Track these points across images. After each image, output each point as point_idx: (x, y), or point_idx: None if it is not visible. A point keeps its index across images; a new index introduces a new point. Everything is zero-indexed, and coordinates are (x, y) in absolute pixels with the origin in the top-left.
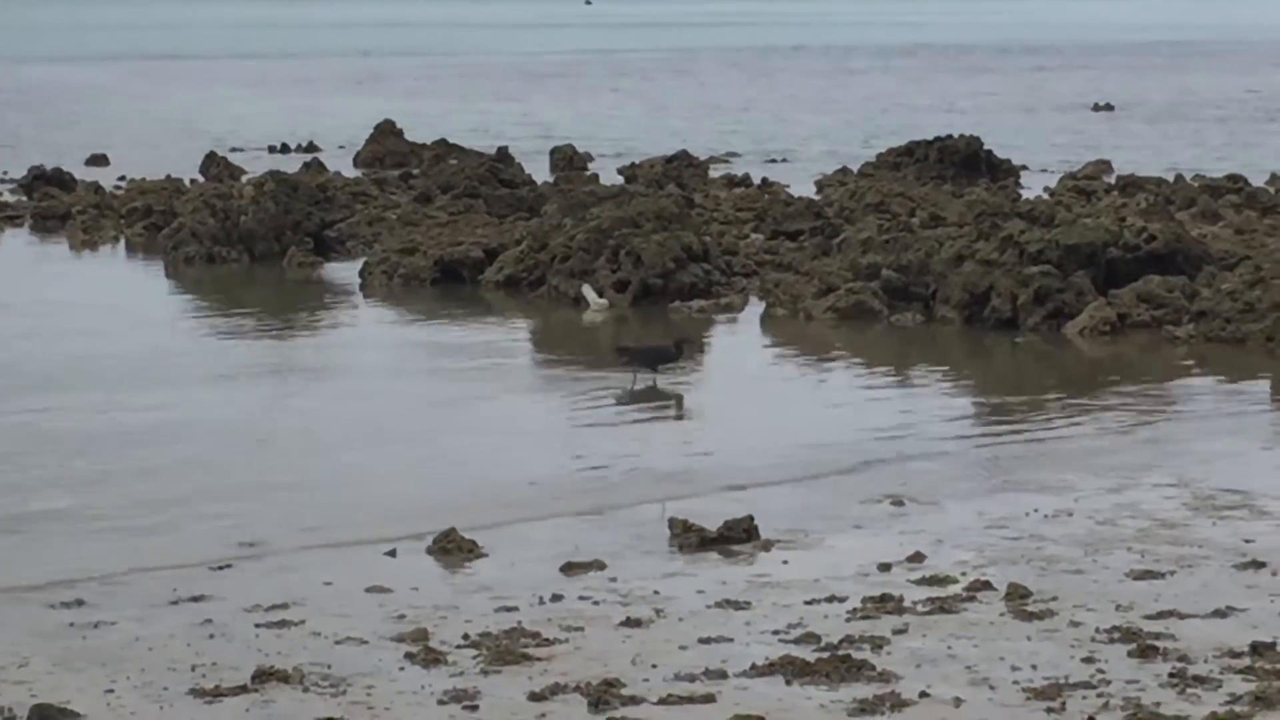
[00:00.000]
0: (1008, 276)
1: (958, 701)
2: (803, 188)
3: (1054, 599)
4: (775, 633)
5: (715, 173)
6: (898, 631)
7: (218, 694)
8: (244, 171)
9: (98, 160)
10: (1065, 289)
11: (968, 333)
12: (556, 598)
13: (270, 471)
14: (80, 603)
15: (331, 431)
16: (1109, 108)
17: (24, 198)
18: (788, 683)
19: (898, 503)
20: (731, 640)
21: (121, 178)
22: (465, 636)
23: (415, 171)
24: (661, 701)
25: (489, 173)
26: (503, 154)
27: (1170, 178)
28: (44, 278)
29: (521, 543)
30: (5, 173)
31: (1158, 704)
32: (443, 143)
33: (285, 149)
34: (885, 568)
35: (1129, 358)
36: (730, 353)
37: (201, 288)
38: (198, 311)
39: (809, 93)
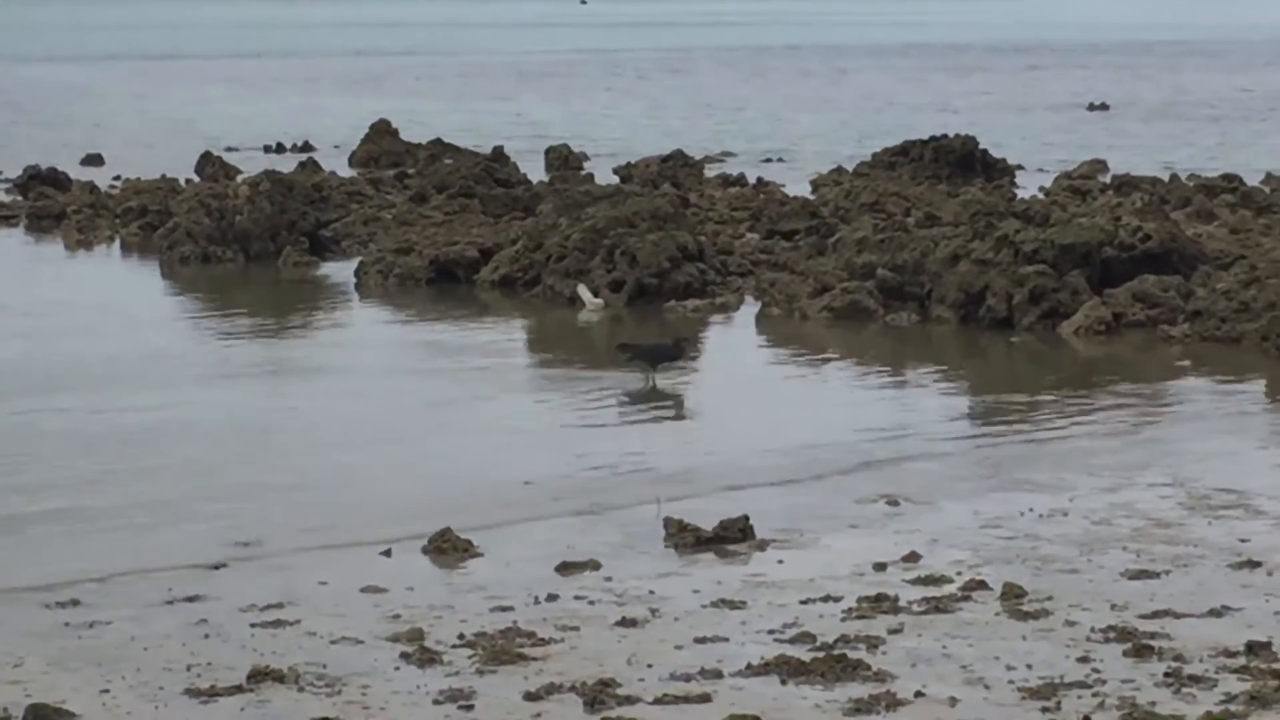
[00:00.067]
0: (1003, 276)
1: (953, 701)
2: (798, 187)
3: (1049, 598)
4: (770, 632)
5: (710, 172)
6: (893, 631)
7: (213, 694)
8: (239, 171)
9: (93, 160)
10: (1060, 288)
11: (963, 332)
12: (552, 597)
13: (265, 471)
14: (75, 603)
15: (326, 431)
16: (1104, 107)
17: (19, 197)
18: (783, 682)
19: (893, 502)
20: (727, 640)
21: (116, 177)
22: (460, 636)
23: (410, 171)
24: (657, 701)
25: (484, 172)
26: (498, 154)
27: (1165, 177)
28: (39, 278)
29: (517, 542)
30: (0, 172)
31: (1153, 703)
32: (438, 142)
33: (280, 149)
34: (880, 567)
35: (1124, 357)
36: (725, 352)
37: (196, 287)
38: (193, 311)
39: (804, 92)
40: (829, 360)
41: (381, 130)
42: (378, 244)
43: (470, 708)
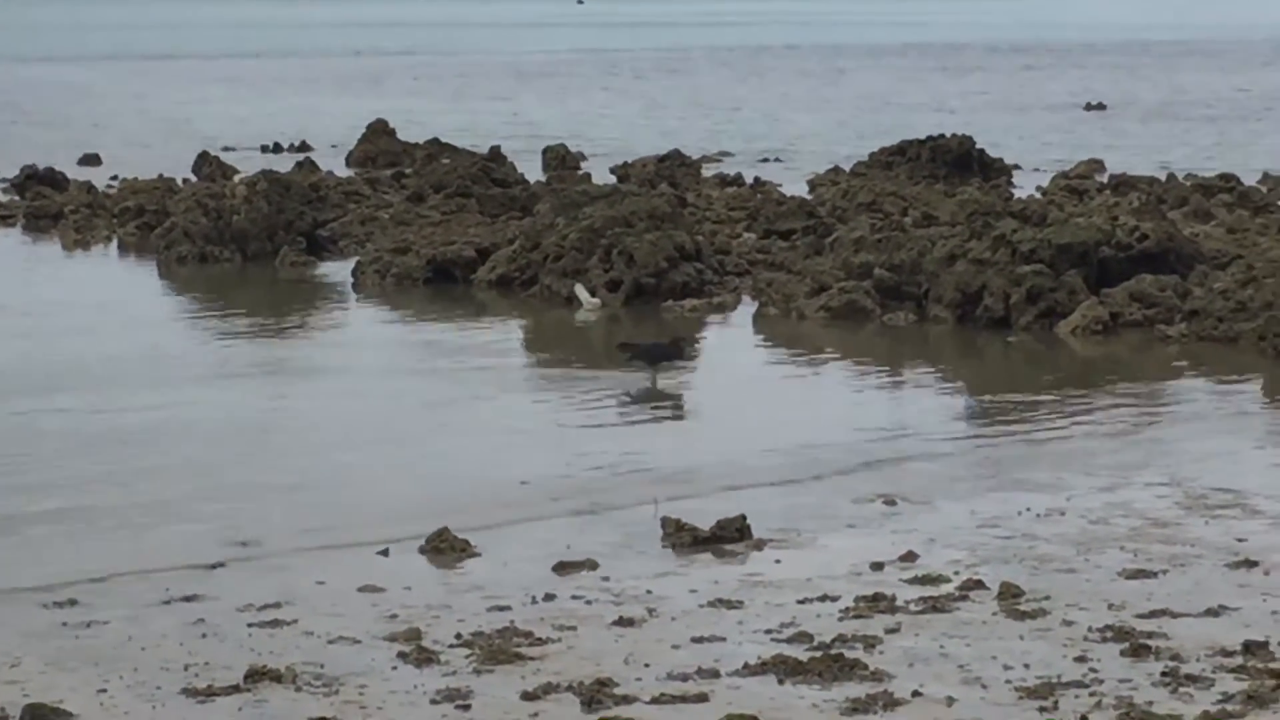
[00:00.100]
0: (1000, 276)
1: (950, 701)
2: (795, 187)
3: (1046, 598)
4: (768, 632)
5: (708, 172)
6: (890, 631)
7: (210, 693)
8: (236, 171)
9: (90, 160)
10: (1057, 288)
11: (960, 332)
12: (549, 597)
13: (262, 471)
14: (73, 602)
15: (323, 431)
16: (1101, 107)
17: (16, 197)
18: (780, 682)
19: (890, 502)
20: (724, 639)
21: (114, 177)
22: (458, 636)
23: (408, 171)
24: (654, 701)
25: (481, 172)
26: (495, 153)
27: (1162, 177)
28: (36, 278)
29: (514, 542)
30: None
31: (1150, 703)
32: (435, 142)
33: (277, 148)
34: (878, 567)
35: (1121, 357)
36: (722, 352)
37: (194, 287)
38: (190, 311)
39: (802, 92)
40: (826, 360)
41: (379, 130)
42: (375, 244)
43: (467, 707)
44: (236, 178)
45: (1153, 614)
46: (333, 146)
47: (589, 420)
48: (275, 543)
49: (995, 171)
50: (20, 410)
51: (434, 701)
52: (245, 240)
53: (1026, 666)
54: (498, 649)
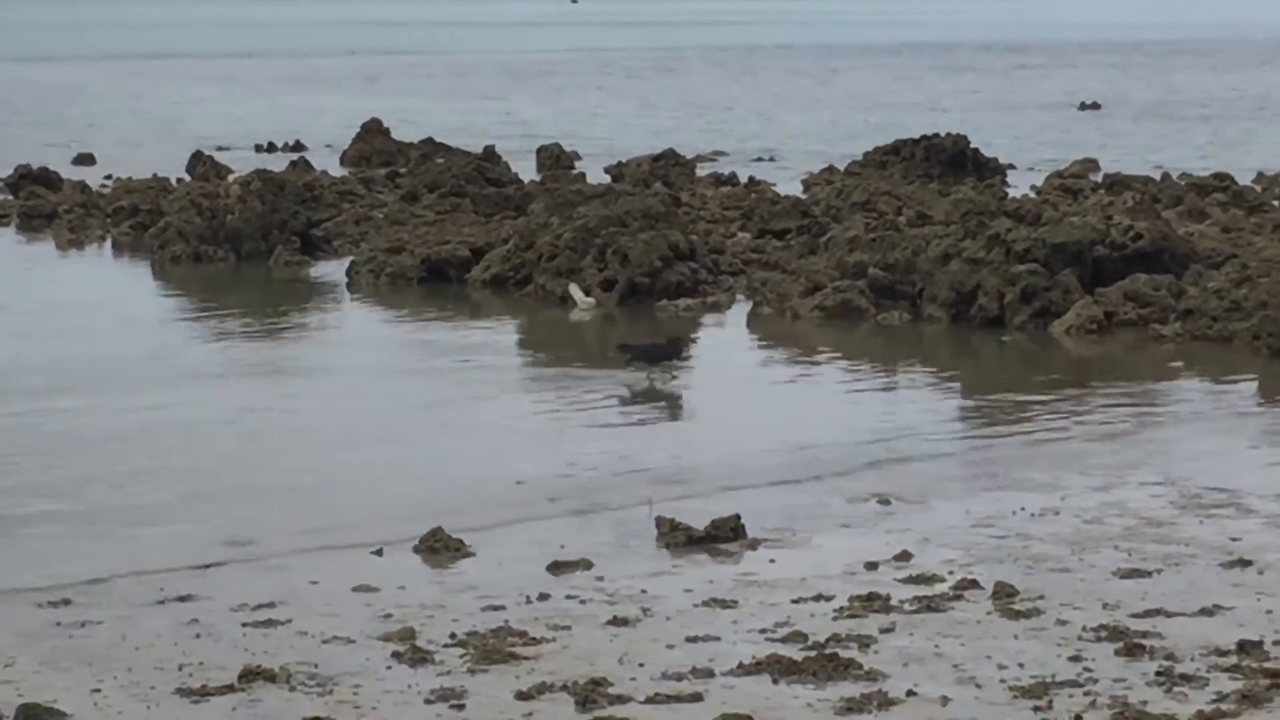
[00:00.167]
0: (994, 275)
1: (945, 700)
2: (789, 186)
3: (1041, 597)
4: (762, 631)
5: (702, 171)
6: (885, 630)
7: (204, 693)
8: (230, 170)
9: (84, 159)
10: (1052, 287)
11: (954, 331)
12: (543, 597)
13: (257, 471)
14: (67, 602)
15: (317, 431)
16: (1095, 106)
17: (10, 197)
18: (775, 681)
19: (884, 501)
20: (719, 639)
21: (108, 177)
22: (452, 635)
23: (402, 170)
24: (649, 700)
25: (476, 171)
26: (489, 153)
27: (1157, 176)
28: (31, 277)
29: (508, 542)
30: None
31: (1145, 702)
32: (429, 142)
33: (271, 148)
34: (872, 566)
35: (1116, 356)
36: (717, 352)
37: (188, 287)
38: (185, 311)
39: (796, 91)
40: (821, 359)
41: (373, 129)
42: (369, 243)
43: (462, 707)
44: (231, 177)
45: (1147, 613)
46: (327, 146)
47: (583, 420)
48: (269, 543)
49: (990, 171)
50: (15, 411)
51: (428, 701)
52: (239, 240)
53: (1021, 666)
54: (492, 649)
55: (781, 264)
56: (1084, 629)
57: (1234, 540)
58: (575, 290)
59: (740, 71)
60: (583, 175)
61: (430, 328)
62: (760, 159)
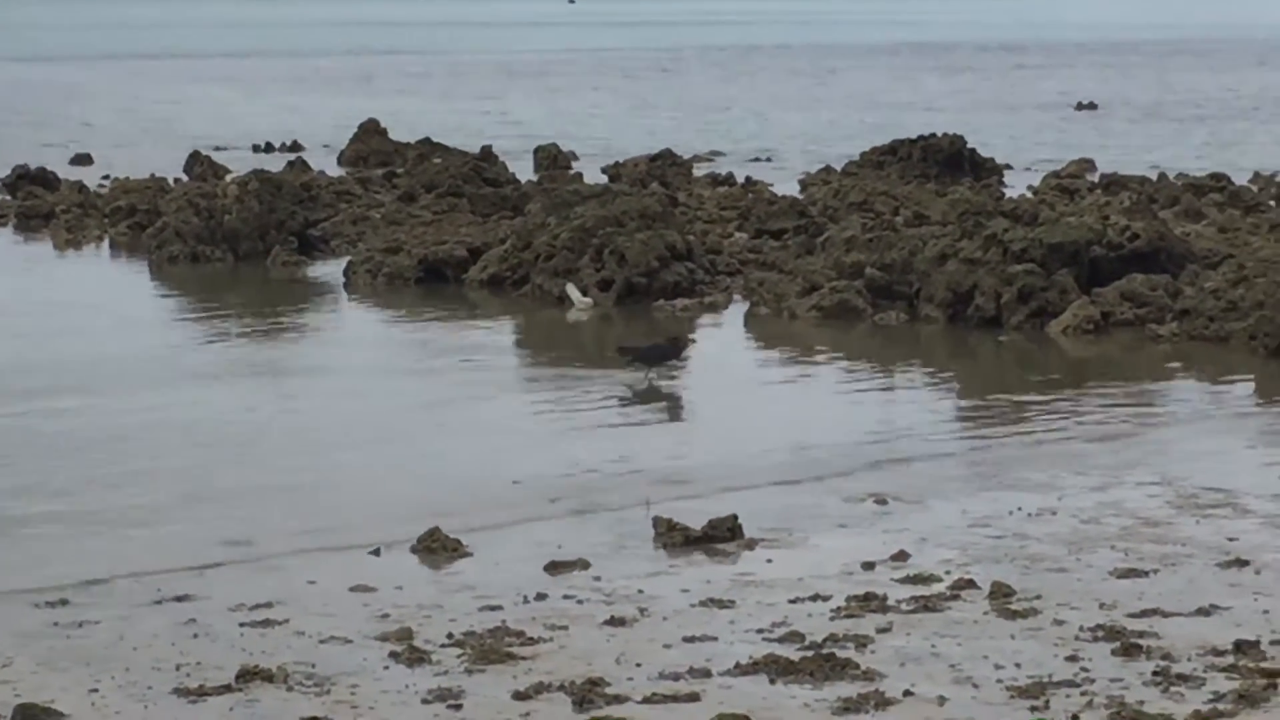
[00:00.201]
0: (991, 275)
1: (941, 700)
2: (786, 186)
3: (1038, 597)
4: (759, 631)
5: (699, 171)
6: (881, 630)
7: (202, 693)
8: (228, 170)
9: (82, 159)
10: (1049, 287)
11: (951, 331)
12: (541, 597)
13: (254, 471)
14: (64, 602)
15: (314, 431)
16: (1092, 106)
17: (7, 197)
18: (772, 681)
19: (881, 501)
20: (716, 639)
21: (105, 177)
22: (449, 636)
23: (399, 170)
24: (646, 700)
25: (473, 172)
26: (486, 153)
27: (1153, 176)
28: (28, 277)
29: (505, 542)
30: None
31: (1141, 702)
32: (426, 142)
33: (269, 148)
34: (869, 566)
35: (1112, 356)
36: (714, 352)
37: (186, 287)
38: (182, 311)
39: (793, 91)
40: (817, 360)
41: (370, 130)
42: (366, 243)
43: (459, 707)
44: (228, 177)
45: (1144, 613)
46: (324, 146)
47: (580, 420)
48: (266, 542)
49: (986, 171)
50: (12, 411)
51: (425, 701)
52: (237, 240)
53: (1018, 666)
54: (489, 649)
55: (778, 264)
56: (1081, 629)
57: (1231, 540)
58: (572, 290)
59: (737, 71)
60: (580, 175)
61: (427, 328)
62: (757, 159)
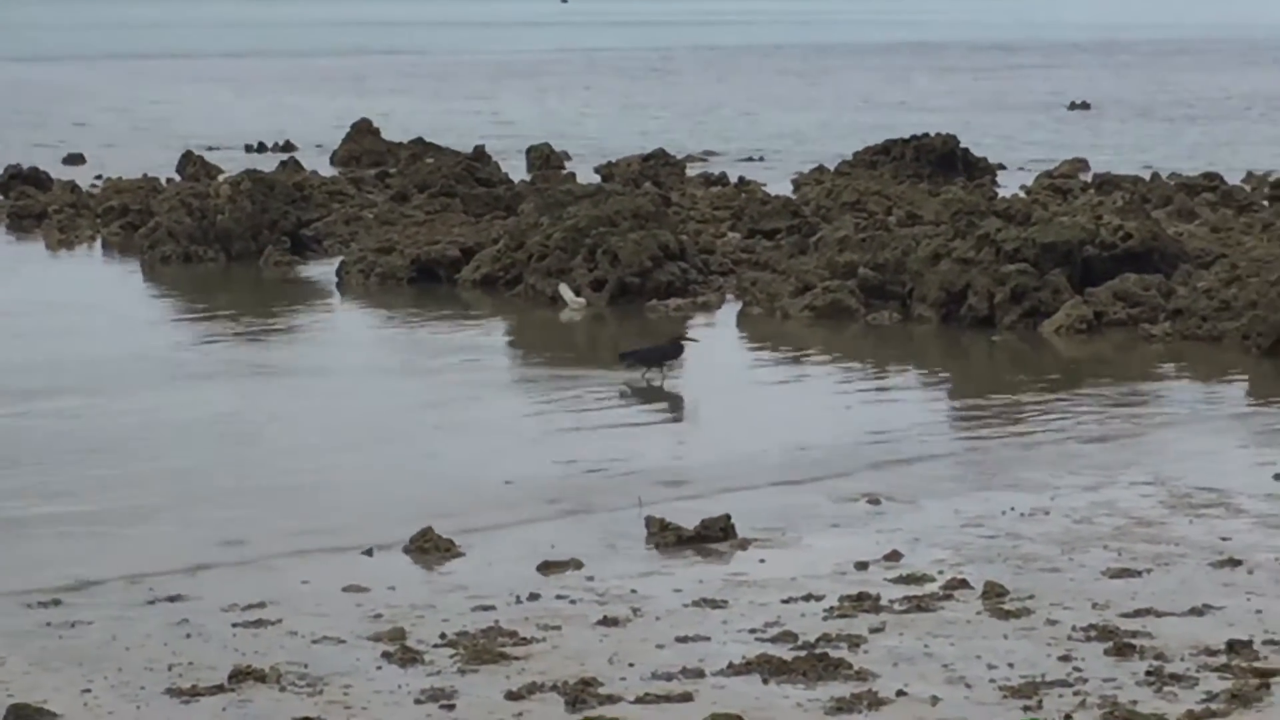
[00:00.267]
0: (984, 275)
1: (934, 700)
2: (779, 186)
3: (1031, 597)
4: (752, 631)
5: (692, 171)
6: (875, 630)
7: (195, 693)
8: (220, 170)
9: (74, 159)
10: (1042, 287)
11: (944, 331)
12: (534, 597)
13: (247, 472)
14: (57, 603)
15: (308, 431)
16: (1085, 106)
17: (0, 196)
18: (765, 681)
19: (874, 501)
20: (709, 639)
21: (98, 177)
22: (442, 636)
23: (392, 170)
24: (639, 700)
25: (466, 171)
26: (479, 153)
27: (1146, 176)
28: (20, 278)
29: (498, 542)
30: None
31: (1134, 702)
32: (419, 141)
33: (261, 148)
34: (862, 566)
35: (1105, 356)
36: (707, 352)
37: (178, 287)
38: (175, 312)
39: (786, 91)
40: (810, 360)
41: (363, 129)
42: (359, 243)
43: (452, 707)
44: (221, 177)
45: (1137, 613)
46: (317, 146)
47: (573, 420)
48: (259, 543)
49: (979, 170)
50: (5, 412)
51: (418, 701)
52: (229, 240)
53: (1011, 666)
54: (482, 649)
55: (771, 264)
56: (1074, 629)
57: (1224, 540)
58: (565, 290)
59: (730, 71)
60: (573, 175)
61: (420, 328)
62: (750, 159)
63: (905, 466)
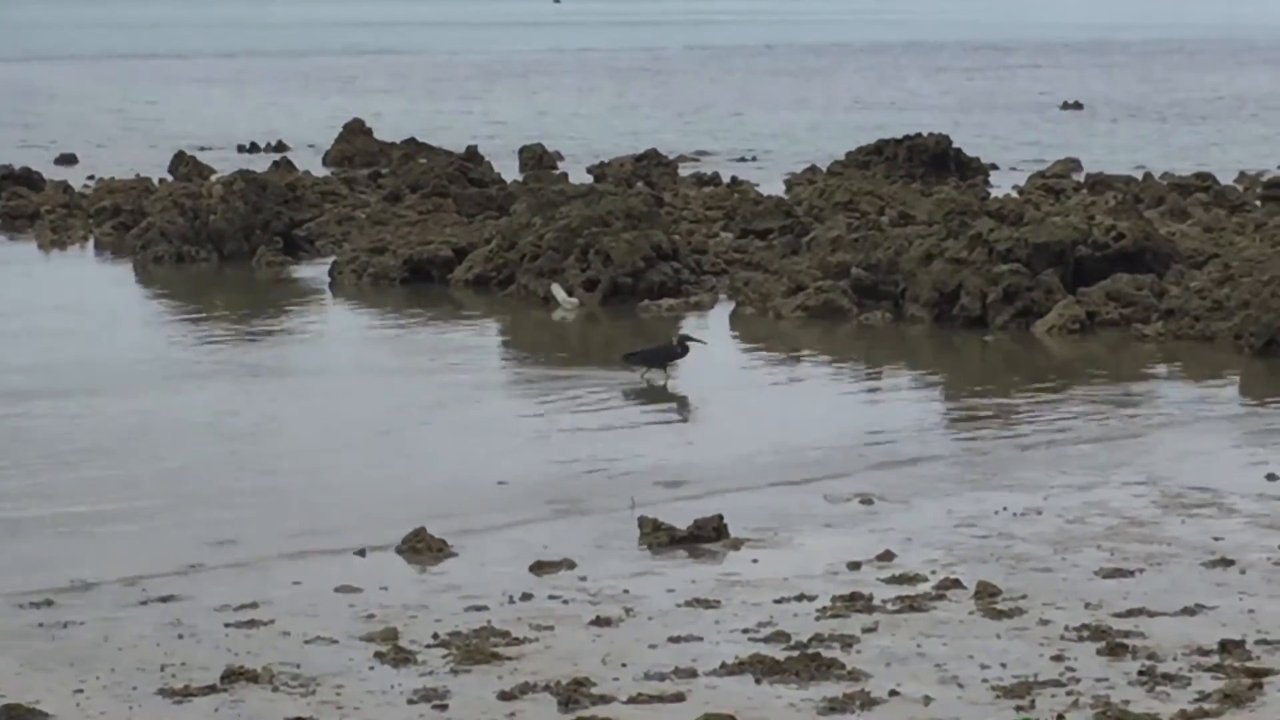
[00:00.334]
0: (977, 275)
1: (927, 700)
2: (772, 186)
3: (1023, 597)
4: (745, 631)
5: (684, 171)
6: (867, 630)
7: (187, 694)
8: (213, 171)
9: (66, 159)
10: (1034, 287)
11: (937, 331)
12: (526, 597)
13: (240, 472)
14: (49, 603)
15: (300, 431)
16: (1078, 106)
17: None
18: (757, 681)
19: (867, 501)
20: (701, 639)
21: (90, 177)
22: (435, 636)
23: (384, 170)
24: (631, 700)
25: (458, 172)
26: (472, 153)
27: (1139, 176)
28: (13, 278)
29: (491, 542)
30: None
31: (1127, 702)
32: (412, 142)
33: (254, 148)
34: (855, 566)
35: (1098, 356)
36: (699, 352)
37: (171, 288)
38: (168, 312)
39: (778, 91)
40: (803, 360)
41: (355, 130)
42: (352, 243)
43: (445, 707)
44: (213, 177)
45: (1129, 613)
46: (310, 146)
47: (566, 421)
48: (251, 543)
49: (972, 170)
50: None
51: (411, 701)
52: (222, 240)
53: (1003, 666)
54: (475, 649)
55: (764, 264)
56: (1066, 628)
57: (1216, 540)
58: (558, 290)
59: (723, 71)
60: (565, 175)
61: (413, 328)
62: (743, 159)
63: (898, 466)
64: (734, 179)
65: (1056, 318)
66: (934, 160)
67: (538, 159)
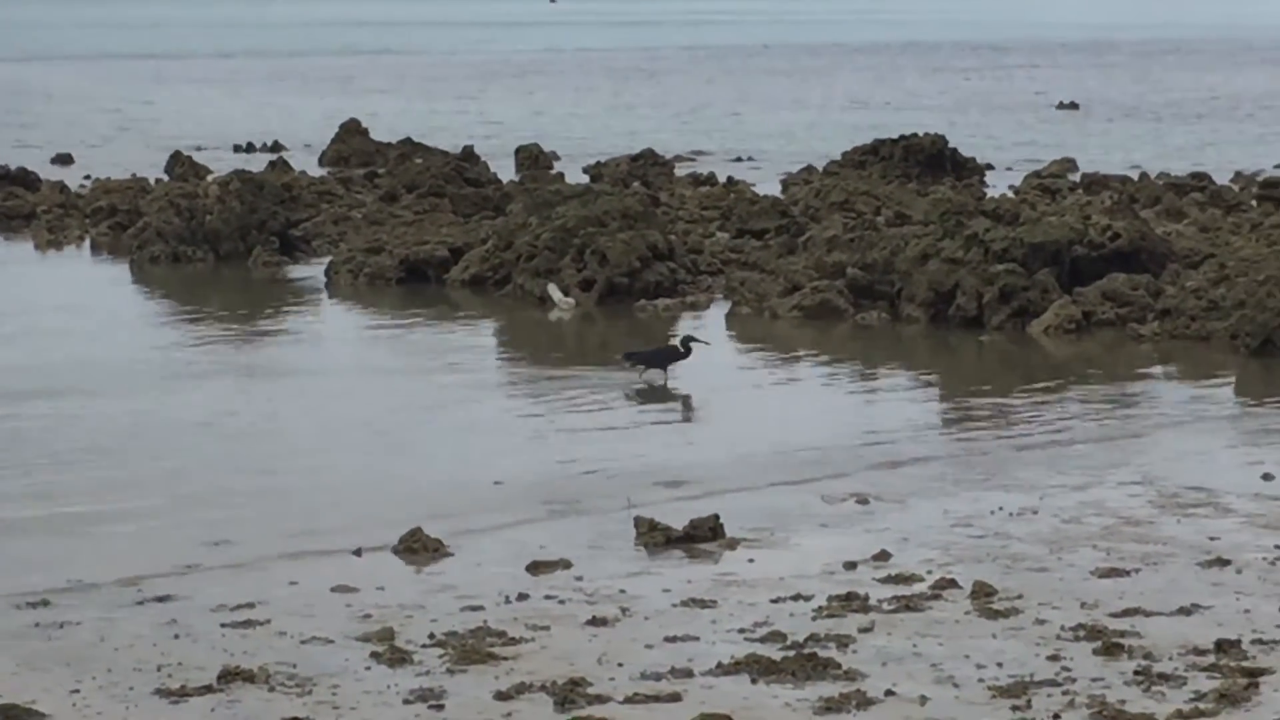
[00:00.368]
0: (973, 275)
1: (923, 700)
2: (768, 186)
3: (1019, 597)
4: (741, 631)
5: (681, 171)
6: (863, 630)
7: (183, 694)
8: (209, 171)
9: (63, 159)
10: (1030, 287)
11: (933, 331)
12: (522, 597)
13: (236, 472)
14: (45, 603)
15: (297, 431)
16: (1074, 106)
17: None
18: (754, 681)
19: (863, 501)
20: (697, 639)
21: (86, 177)
22: (431, 636)
23: (381, 171)
24: (627, 700)
25: (454, 172)
26: (468, 153)
27: (1134, 176)
28: (9, 279)
29: (487, 542)
30: None
31: (1123, 702)
32: (408, 142)
33: (250, 148)
34: (851, 566)
35: (1094, 356)
36: (696, 352)
37: (167, 288)
38: (164, 312)
39: (775, 91)
40: (799, 360)
41: (351, 130)
42: (348, 243)
43: (441, 707)
44: (209, 177)
45: (1125, 613)
46: (306, 146)
47: (561, 421)
48: (248, 543)
49: (968, 170)
50: None
51: (407, 701)
52: (218, 240)
53: (999, 665)
54: (471, 649)
55: (760, 264)
56: (1062, 628)
57: (1212, 539)
58: (554, 290)
59: (719, 71)
60: (561, 175)
61: (409, 328)
62: (739, 159)
63: (894, 466)
64: (730, 179)
65: (1052, 318)
66: (930, 160)
67: (534, 159)
